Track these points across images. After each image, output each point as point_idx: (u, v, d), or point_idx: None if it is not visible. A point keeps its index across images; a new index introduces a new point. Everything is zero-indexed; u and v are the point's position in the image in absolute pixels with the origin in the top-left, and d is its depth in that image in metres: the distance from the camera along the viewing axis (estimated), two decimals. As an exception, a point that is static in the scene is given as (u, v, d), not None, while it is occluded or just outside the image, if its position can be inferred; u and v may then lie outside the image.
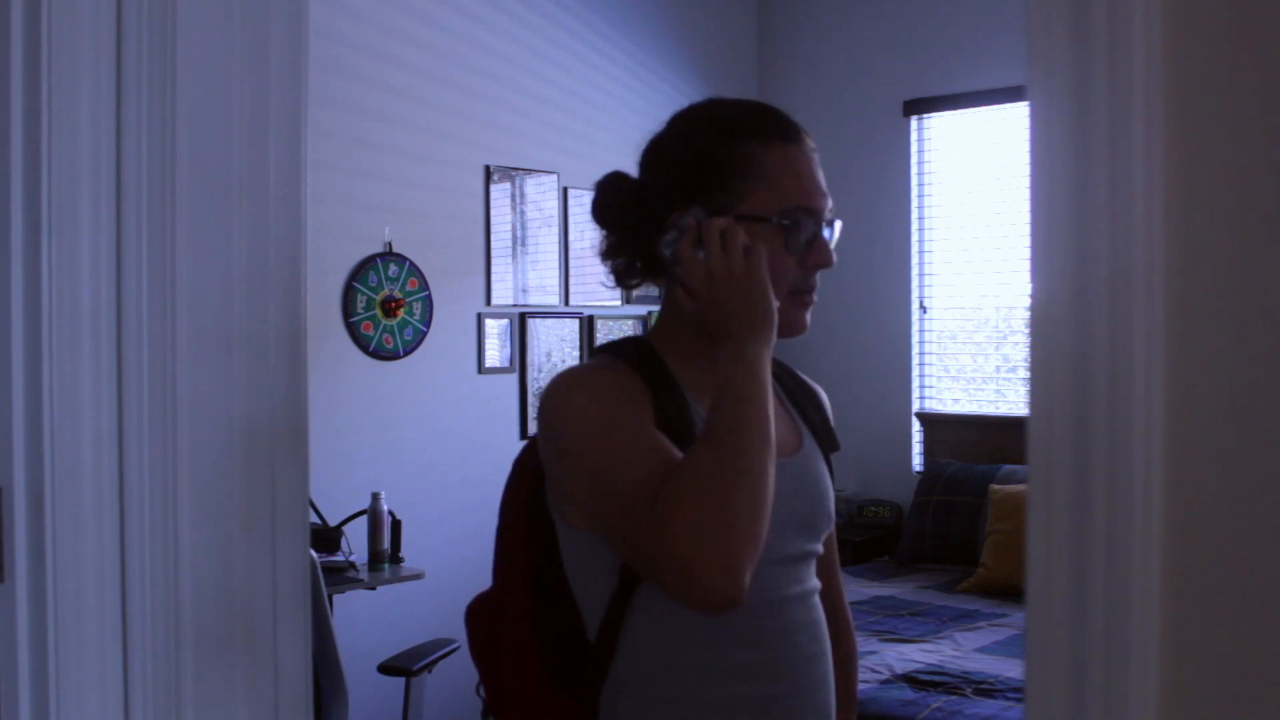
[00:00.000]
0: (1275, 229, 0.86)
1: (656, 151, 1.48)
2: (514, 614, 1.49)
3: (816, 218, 1.42)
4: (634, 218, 1.47)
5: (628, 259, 1.50)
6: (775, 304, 1.35)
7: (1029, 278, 0.96)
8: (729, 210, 1.39)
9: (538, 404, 1.43)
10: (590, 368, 1.47)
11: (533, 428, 4.78)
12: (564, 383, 1.41)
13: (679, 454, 1.33)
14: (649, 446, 1.33)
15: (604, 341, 1.56)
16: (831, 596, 1.61)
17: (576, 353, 5.12)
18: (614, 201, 1.50)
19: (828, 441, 1.57)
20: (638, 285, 1.52)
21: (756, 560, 1.25)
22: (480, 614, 1.56)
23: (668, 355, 1.45)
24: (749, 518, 1.25)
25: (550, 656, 1.47)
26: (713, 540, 1.22)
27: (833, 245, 1.45)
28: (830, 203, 1.45)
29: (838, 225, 1.46)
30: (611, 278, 1.52)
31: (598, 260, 1.54)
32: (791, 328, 1.43)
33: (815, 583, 1.49)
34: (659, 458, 1.31)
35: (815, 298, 1.46)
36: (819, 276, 1.45)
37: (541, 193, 4.97)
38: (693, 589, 1.22)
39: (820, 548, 1.51)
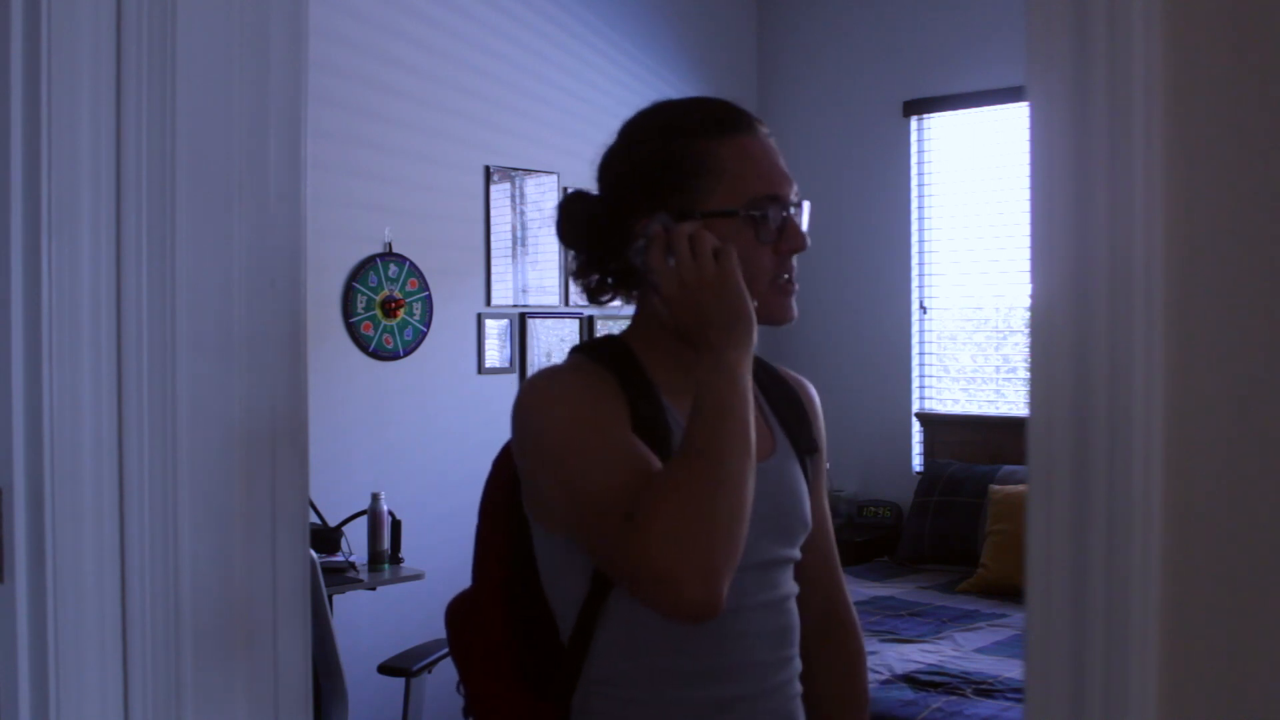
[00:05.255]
0: (1275, 229, 0.86)
1: (611, 164, 1.47)
2: (488, 615, 1.50)
3: (783, 203, 1.40)
4: (599, 233, 1.46)
5: (599, 275, 1.48)
6: (752, 304, 1.33)
7: (1029, 278, 0.96)
8: (693, 210, 1.37)
9: (514, 403, 1.41)
10: (565, 369, 1.45)
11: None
12: (538, 385, 1.40)
13: (655, 460, 1.32)
14: (623, 452, 1.31)
15: (580, 342, 1.55)
16: (833, 595, 1.61)
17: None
18: (578, 220, 1.48)
19: (804, 444, 1.54)
20: (610, 300, 1.51)
21: (734, 569, 1.24)
22: (458, 613, 1.56)
23: (644, 358, 1.43)
24: (727, 528, 1.23)
25: (523, 657, 1.47)
26: (690, 550, 1.20)
27: (804, 227, 1.43)
28: (795, 186, 1.42)
29: (806, 206, 1.43)
30: (584, 295, 1.51)
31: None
32: (779, 316, 1.42)
33: (791, 587, 1.47)
34: (633, 464, 1.30)
35: (797, 284, 1.44)
36: (796, 261, 1.43)
37: (541, 193, 4.97)
38: (669, 598, 1.21)
39: (797, 553, 1.49)
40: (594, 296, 1.50)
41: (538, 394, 1.39)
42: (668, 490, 1.23)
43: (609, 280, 1.49)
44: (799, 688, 1.48)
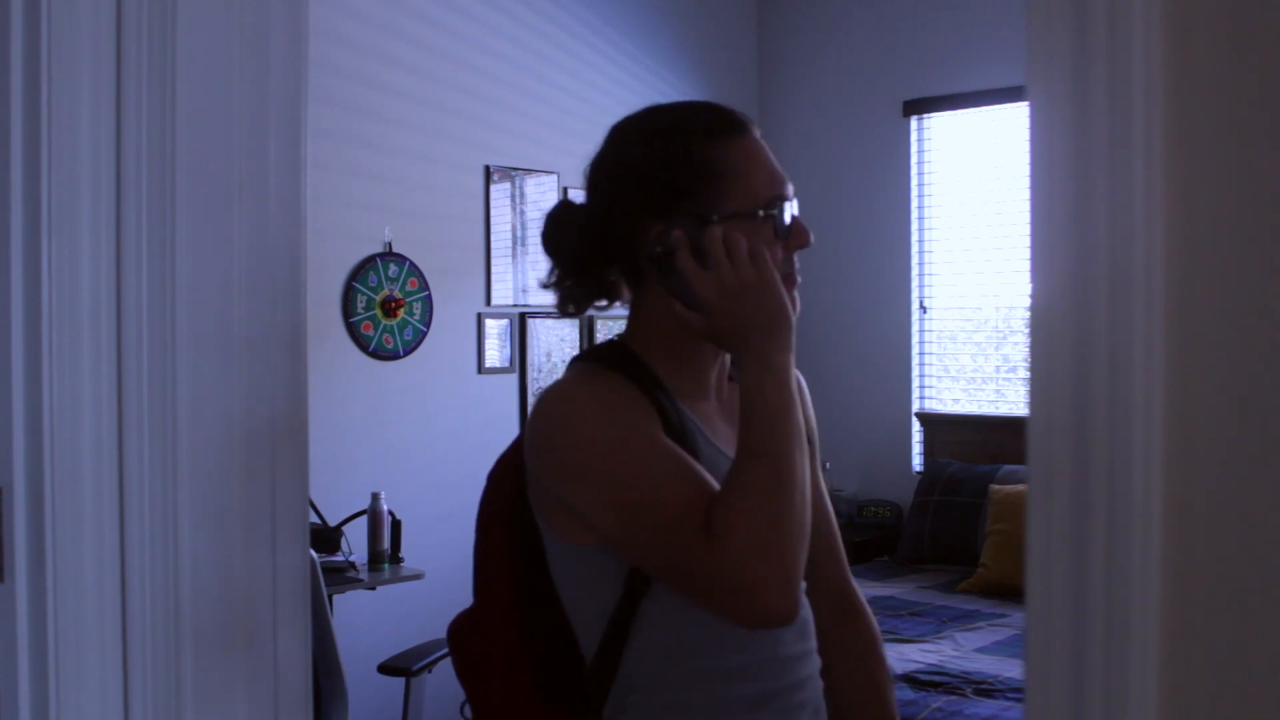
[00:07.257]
0: (1275, 229, 0.86)
1: (605, 171, 1.44)
2: (501, 627, 1.47)
3: (787, 201, 1.40)
4: (590, 242, 1.44)
5: (582, 286, 1.47)
6: (788, 305, 1.33)
7: (1029, 278, 0.96)
8: (710, 214, 1.35)
9: (533, 418, 1.38)
10: (583, 381, 1.41)
11: (533, 428, 4.77)
12: (564, 398, 1.37)
13: (699, 465, 1.31)
14: (677, 461, 1.30)
15: (582, 350, 1.53)
16: (844, 584, 1.60)
17: (576, 353, 5.12)
18: (569, 228, 1.47)
19: None
20: (586, 310, 1.49)
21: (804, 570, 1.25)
22: (464, 631, 1.53)
23: (651, 360, 1.41)
24: (800, 530, 1.24)
25: (539, 668, 1.45)
26: (771, 558, 1.21)
27: None
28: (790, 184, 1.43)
29: (795, 203, 1.43)
30: (560, 304, 1.49)
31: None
32: None
33: (801, 582, 1.48)
34: (689, 473, 1.29)
35: (800, 278, 1.44)
36: (798, 257, 1.43)
37: (541, 193, 4.97)
38: (751, 607, 1.22)
39: None
40: (577, 306, 1.48)
41: (568, 410, 1.35)
42: (743, 499, 1.23)
43: (589, 290, 1.47)
44: (820, 682, 1.48)
